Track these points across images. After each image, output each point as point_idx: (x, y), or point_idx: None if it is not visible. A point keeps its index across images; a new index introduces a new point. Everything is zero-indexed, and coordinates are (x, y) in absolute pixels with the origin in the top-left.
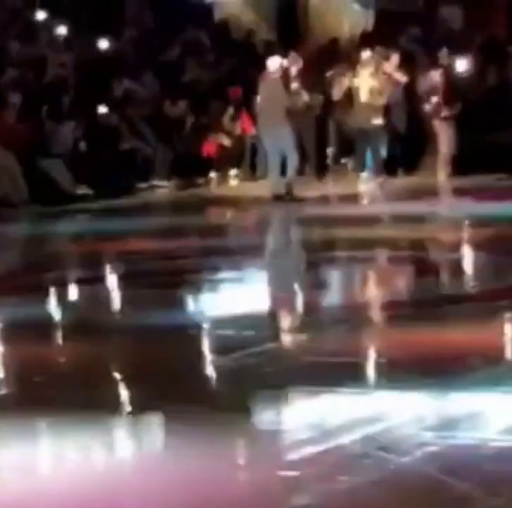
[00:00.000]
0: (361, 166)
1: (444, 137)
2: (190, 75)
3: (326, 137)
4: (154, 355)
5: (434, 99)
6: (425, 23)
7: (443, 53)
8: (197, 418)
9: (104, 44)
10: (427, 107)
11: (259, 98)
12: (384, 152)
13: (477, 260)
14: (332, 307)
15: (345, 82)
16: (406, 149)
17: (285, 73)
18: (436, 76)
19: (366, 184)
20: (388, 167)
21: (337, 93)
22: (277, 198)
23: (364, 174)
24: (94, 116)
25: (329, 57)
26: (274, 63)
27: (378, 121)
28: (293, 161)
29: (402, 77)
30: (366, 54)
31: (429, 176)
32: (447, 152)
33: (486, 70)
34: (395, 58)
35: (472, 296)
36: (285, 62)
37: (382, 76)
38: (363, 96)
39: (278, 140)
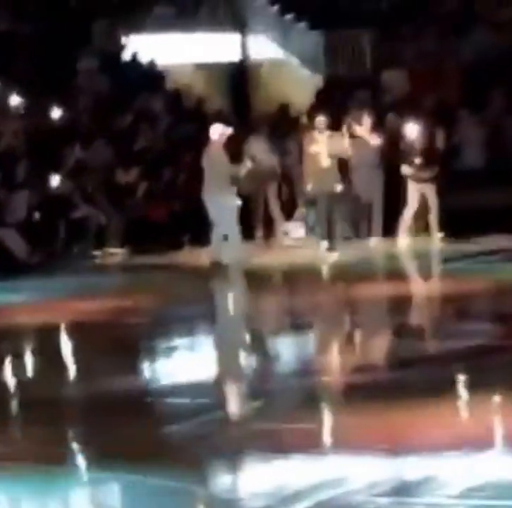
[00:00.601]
0: (321, 233)
1: (433, 200)
2: (142, 143)
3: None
4: (105, 425)
5: (416, 160)
6: (373, 87)
7: (390, 117)
8: (151, 486)
9: (56, 112)
10: (407, 169)
11: (203, 166)
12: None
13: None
14: (283, 375)
15: (308, 147)
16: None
17: (230, 140)
18: (414, 137)
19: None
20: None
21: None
22: (216, 265)
23: (323, 242)
24: (47, 185)
25: (280, 123)
26: (216, 131)
27: (338, 186)
28: (218, 232)
29: (376, 140)
30: (321, 119)
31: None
32: (436, 214)
33: (435, 134)
34: (367, 120)
35: (424, 359)
36: (227, 130)
37: (343, 140)
38: (324, 161)
39: (220, 208)
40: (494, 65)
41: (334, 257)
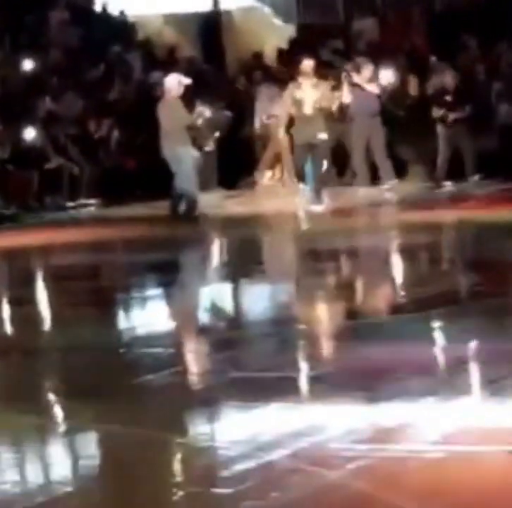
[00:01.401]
0: (298, 178)
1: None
2: (114, 94)
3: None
4: (81, 375)
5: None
6: (346, 35)
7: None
8: (127, 435)
9: (27, 64)
10: (437, 112)
11: (159, 118)
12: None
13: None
14: (260, 322)
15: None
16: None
17: (186, 90)
18: (446, 79)
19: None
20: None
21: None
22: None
23: (300, 186)
24: (18, 137)
25: (253, 71)
26: (172, 81)
27: (323, 135)
28: (181, 183)
29: (374, 89)
30: (307, 64)
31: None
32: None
33: (408, 82)
34: (367, 69)
35: (402, 307)
36: (184, 79)
37: (329, 87)
38: (307, 109)
39: (179, 161)
40: (465, 11)
41: (317, 209)
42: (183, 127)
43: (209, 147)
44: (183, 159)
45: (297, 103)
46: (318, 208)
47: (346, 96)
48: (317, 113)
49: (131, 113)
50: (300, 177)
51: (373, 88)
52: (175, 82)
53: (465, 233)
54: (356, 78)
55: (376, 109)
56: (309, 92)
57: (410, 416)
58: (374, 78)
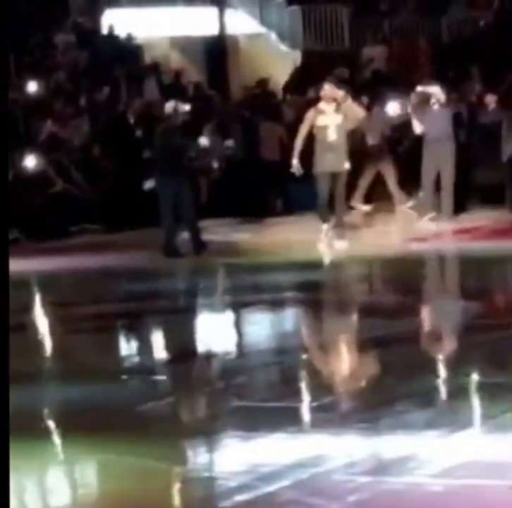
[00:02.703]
0: (326, 215)
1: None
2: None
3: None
4: (84, 401)
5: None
6: (352, 63)
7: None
8: (128, 464)
9: (31, 87)
10: None
11: (157, 146)
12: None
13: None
14: (262, 351)
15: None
16: None
17: (193, 116)
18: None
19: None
20: None
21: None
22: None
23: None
24: (21, 160)
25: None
26: (169, 107)
27: (347, 164)
28: (190, 211)
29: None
30: (328, 88)
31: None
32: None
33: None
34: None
35: (402, 338)
36: (181, 106)
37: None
38: (331, 135)
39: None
40: (471, 43)
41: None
42: (176, 155)
43: (214, 175)
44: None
45: (320, 129)
46: (342, 245)
47: (416, 122)
48: (341, 140)
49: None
50: (322, 209)
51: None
52: (171, 109)
53: None
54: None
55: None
56: (332, 118)
57: (411, 448)
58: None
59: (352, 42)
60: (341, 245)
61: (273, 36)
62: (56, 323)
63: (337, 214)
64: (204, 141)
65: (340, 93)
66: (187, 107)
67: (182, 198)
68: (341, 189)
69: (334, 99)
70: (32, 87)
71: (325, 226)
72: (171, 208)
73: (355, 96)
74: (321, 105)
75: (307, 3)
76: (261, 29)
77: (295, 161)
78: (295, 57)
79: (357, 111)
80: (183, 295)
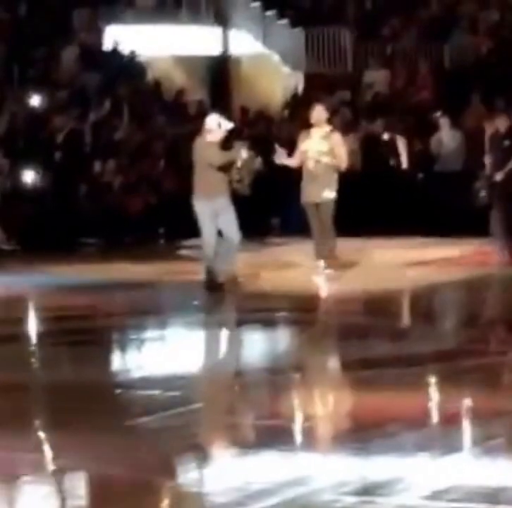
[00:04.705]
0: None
1: None
2: (120, 134)
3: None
4: (76, 415)
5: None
6: (354, 86)
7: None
8: (120, 478)
9: (35, 100)
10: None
11: (195, 162)
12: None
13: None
14: (256, 370)
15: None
16: None
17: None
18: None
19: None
20: None
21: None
22: (211, 286)
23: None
24: (22, 173)
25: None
26: (212, 122)
27: (329, 193)
28: (234, 238)
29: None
30: (319, 110)
31: None
32: None
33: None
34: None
35: (393, 360)
36: (225, 123)
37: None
38: (311, 162)
39: (215, 212)
40: (473, 70)
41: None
42: (219, 173)
43: (246, 192)
44: (224, 207)
45: (304, 155)
46: (328, 272)
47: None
48: (325, 168)
49: (135, 154)
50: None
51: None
52: (214, 124)
53: None
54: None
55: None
56: (315, 143)
57: (401, 470)
58: None
59: (354, 66)
60: (334, 278)
61: (276, 57)
62: None
63: (324, 245)
64: (244, 155)
65: (324, 122)
66: (231, 124)
67: (223, 221)
68: (324, 220)
69: (324, 124)
70: (36, 100)
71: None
72: (213, 233)
73: (356, 119)
74: (312, 129)
75: (311, 26)
76: (264, 50)
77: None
78: (297, 79)
79: (340, 154)
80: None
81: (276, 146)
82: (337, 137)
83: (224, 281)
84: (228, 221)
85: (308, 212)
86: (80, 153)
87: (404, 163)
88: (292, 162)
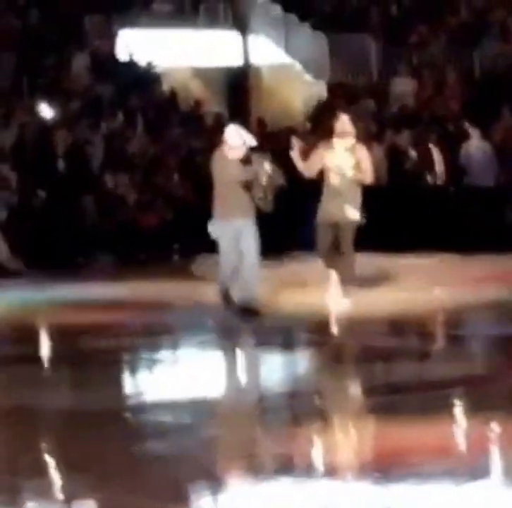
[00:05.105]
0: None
1: None
2: (134, 147)
3: None
4: (85, 441)
5: None
6: (379, 96)
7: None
8: (126, 505)
9: (45, 111)
10: None
11: (214, 179)
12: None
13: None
14: (274, 396)
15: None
16: None
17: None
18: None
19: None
20: None
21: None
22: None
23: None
24: (33, 188)
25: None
26: (234, 135)
27: (353, 213)
28: (253, 261)
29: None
30: (343, 120)
31: None
32: None
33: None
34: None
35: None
36: (248, 138)
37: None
38: (335, 178)
39: (237, 234)
40: (503, 79)
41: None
42: (244, 192)
43: (269, 209)
44: (247, 230)
45: (327, 170)
46: (345, 304)
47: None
48: (350, 183)
49: (150, 168)
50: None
51: None
52: (237, 138)
53: None
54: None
55: None
56: (340, 157)
57: (424, 500)
58: None
59: (379, 74)
60: (346, 305)
61: (298, 65)
62: None
63: (343, 268)
64: (267, 169)
65: (349, 134)
66: (252, 139)
67: (244, 244)
68: (345, 241)
69: (349, 135)
70: (46, 111)
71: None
72: (233, 256)
73: (381, 130)
74: (334, 140)
75: (334, 32)
76: (285, 59)
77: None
78: (320, 88)
79: (366, 168)
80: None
81: (294, 139)
82: (363, 149)
83: (242, 306)
84: (250, 246)
85: (323, 229)
86: (84, 166)
87: (440, 176)
88: (307, 169)
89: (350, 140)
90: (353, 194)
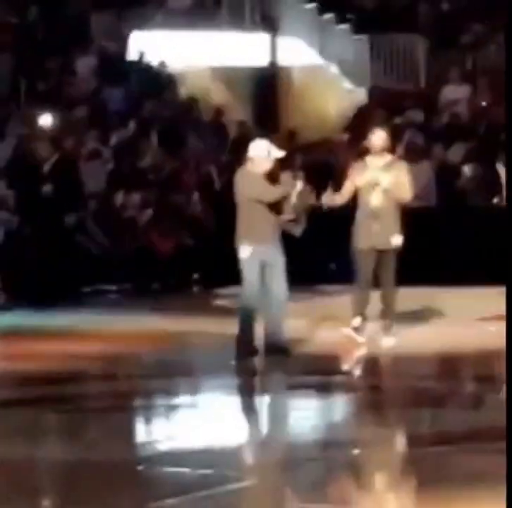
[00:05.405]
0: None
1: None
2: (147, 160)
3: None
4: (98, 495)
5: None
6: (427, 105)
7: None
8: None
9: (46, 120)
10: None
11: (237, 198)
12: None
13: None
14: (305, 446)
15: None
16: None
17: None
18: None
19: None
20: None
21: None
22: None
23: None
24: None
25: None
26: (260, 149)
27: (397, 239)
28: (281, 295)
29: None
30: (379, 137)
31: None
32: None
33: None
34: None
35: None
36: (275, 151)
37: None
38: (375, 199)
39: (263, 262)
40: None
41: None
42: (271, 215)
43: (300, 233)
44: (275, 258)
45: (363, 191)
46: (387, 341)
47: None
48: (389, 205)
49: (166, 185)
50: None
51: None
52: (263, 152)
53: None
54: None
55: None
56: (378, 176)
57: None
58: None
59: (428, 80)
60: (388, 342)
61: (334, 69)
62: None
63: (384, 302)
64: (299, 188)
65: (385, 150)
66: (280, 152)
67: (271, 273)
68: (390, 270)
69: (386, 152)
70: (46, 120)
71: (357, 321)
72: (258, 286)
73: (429, 144)
74: (368, 158)
75: (377, 33)
76: (320, 61)
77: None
78: (360, 95)
79: (404, 184)
80: None
81: (328, 192)
82: (402, 166)
83: (270, 345)
84: (277, 275)
85: (362, 259)
86: (72, 186)
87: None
88: (340, 199)
89: (387, 157)
90: (394, 217)
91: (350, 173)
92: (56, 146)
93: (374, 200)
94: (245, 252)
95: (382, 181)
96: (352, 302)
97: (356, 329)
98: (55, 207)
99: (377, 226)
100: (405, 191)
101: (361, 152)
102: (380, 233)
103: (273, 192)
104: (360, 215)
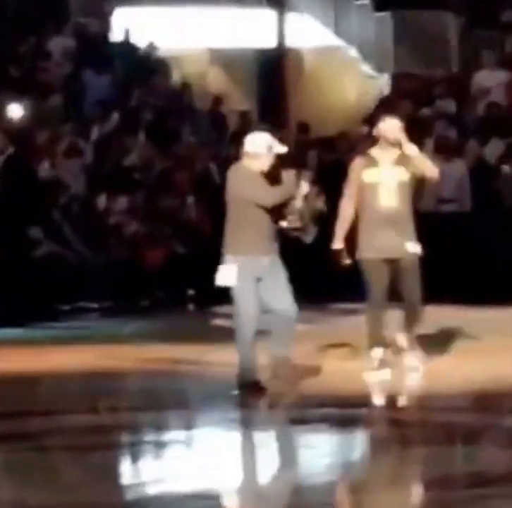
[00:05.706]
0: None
1: None
2: (133, 158)
3: None
4: None
5: None
6: (460, 93)
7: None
8: None
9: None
10: None
11: (227, 200)
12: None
13: None
14: (314, 487)
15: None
16: None
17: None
18: None
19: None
20: None
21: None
22: (244, 384)
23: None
24: None
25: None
26: (259, 143)
27: (413, 246)
28: (289, 312)
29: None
30: (391, 126)
31: None
32: None
33: None
34: None
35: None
36: (278, 146)
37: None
38: (385, 199)
39: (259, 276)
40: None
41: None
42: (271, 221)
43: (308, 241)
44: (277, 272)
45: (368, 189)
46: (412, 369)
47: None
48: (404, 207)
49: (155, 187)
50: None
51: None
52: (263, 146)
53: None
54: None
55: None
56: (387, 172)
57: None
58: None
59: (461, 64)
60: (413, 366)
61: (353, 52)
62: None
63: (407, 322)
64: (305, 190)
65: (399, 143)
66: (282, 147)
67: (271, 288)
68: (412, 283)
69: (397, 144)
70: (18, 111)
71: (377, 353)
72: (255, 305)
73: (462, 138)
74: (374, 151)
75: (402, 9)
76: (337, 42)
77: (338, 244)
78: (383, 82)
79: (423, 161)
80: None
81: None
82: (411, 146)
83: (274, 373)
84: (278, 289)
85: (371, 272)
86: (28, 187)
87: None
88: (346, 211)
89: (398, 151)
90: (410, 221)
91: (351, 172)
92: (11, 138)
93: (384, 200)
94: (237, 265)
95: (396, 178)
96: (367, 323)
97: (378, 363)
98: (14, 217)
99: (389, 231)
100: (429, 165)
101: (368, 143)
102: (391, 240)
103: (272, 194)
104: (366, 219)
